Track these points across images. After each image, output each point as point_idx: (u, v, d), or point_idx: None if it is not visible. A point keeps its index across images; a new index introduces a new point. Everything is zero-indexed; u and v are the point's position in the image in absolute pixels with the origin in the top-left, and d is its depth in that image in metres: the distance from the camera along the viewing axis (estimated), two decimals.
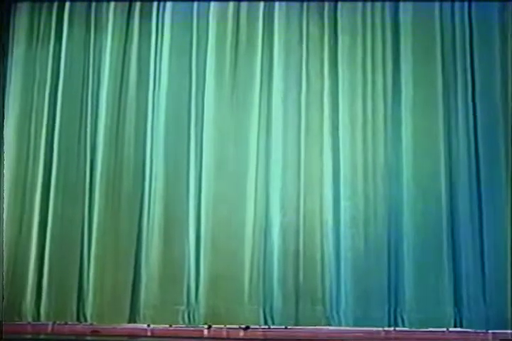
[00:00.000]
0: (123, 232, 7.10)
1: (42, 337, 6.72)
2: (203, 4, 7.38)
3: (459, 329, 6.53)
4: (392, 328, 6.66)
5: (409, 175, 6.85)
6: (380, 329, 6.64)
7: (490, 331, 6.44)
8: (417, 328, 6.58)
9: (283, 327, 6.79)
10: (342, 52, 7.15)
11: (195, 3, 7.40)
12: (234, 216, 6.99)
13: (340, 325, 6.70)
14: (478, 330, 6.48)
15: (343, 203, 6.90)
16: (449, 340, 6.32)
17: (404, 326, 6.63)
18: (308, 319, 6.74)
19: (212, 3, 7.37)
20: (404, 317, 6.63)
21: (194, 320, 6.87)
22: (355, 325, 6.67)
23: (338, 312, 6.73)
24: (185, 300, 6.90)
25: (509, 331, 6.42)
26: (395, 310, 6.66)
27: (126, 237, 7.10)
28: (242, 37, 7.30)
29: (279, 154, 7.06)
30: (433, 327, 6.55)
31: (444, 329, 6.56)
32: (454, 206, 6.77)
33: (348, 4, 7.23)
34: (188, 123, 7.22)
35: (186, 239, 7.02)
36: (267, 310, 6.81)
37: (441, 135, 6.88)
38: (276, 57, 7.22)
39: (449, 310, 6.55)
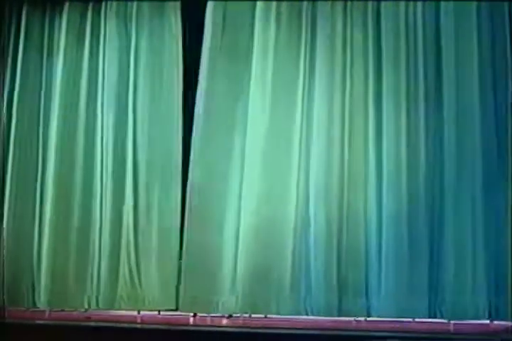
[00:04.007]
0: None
1: (39, 322, 7.18)
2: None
3: (426, 319, 6.89)
4: (363, 318, 7.02)
5: (451, 173, 7.10)
6: (352, 319, 7.00)
7: (452, 321, 6.82)
8: (456, 320, 6.80)
9: (263, 316, 7.20)
10: (386, 55, 7.38)
11: None
12: (278, 210, 7.30)
13: (380, 316, 6.97)
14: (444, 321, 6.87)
15: (385, 199, 7.18)
16: (415, 330, 6.68)
17: (442, 317, 6.85)
18: (350, 310, 7.04)
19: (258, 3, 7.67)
20: (443, 309, 6.88)
21: (236, 310, 7.17)
22: (396, 316, 6.92)
23: (379, 304, 7.00)
24: (227, 291, 7.23)
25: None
26: (435, 302, 6.89)
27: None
28: (284, 40, 7.59)
29: (323, 151, 7.33)
30: (471, 319, 6.77)
31: (410, 319, 6.94)
32: (490, 201, 7.00)
33: (390, 7, 7.43)
34: (234, 124, 7.56)
35: (229, 231, 7.37)
36: (309, 301, 7.11)
37: (478, 135, 7.10)
38: (318, 58, 7.49)
39: (484, 300, 6.78)
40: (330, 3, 7.56)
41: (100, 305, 7.49)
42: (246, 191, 7.41)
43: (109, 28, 8.02)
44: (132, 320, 7.20)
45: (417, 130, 7.25)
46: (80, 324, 7.16)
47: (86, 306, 7.50)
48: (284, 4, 7.64)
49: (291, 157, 7.42)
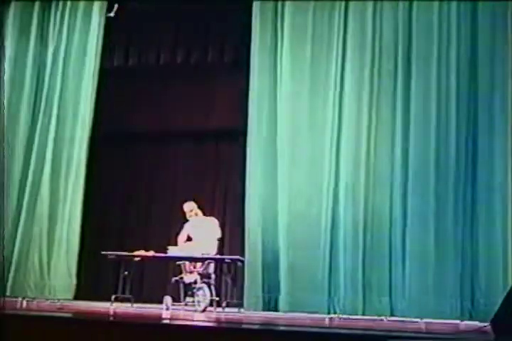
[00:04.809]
0: None
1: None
2: None
3: (396, 318, 6.99)
4: (336, 315, 7.11)
5: (483, 172, 7.07)
6: (325, 316, 7.06)
7: (423, 320, 6.89)
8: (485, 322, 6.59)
9: (236, 310, 7.28)
10: (417, 51, 7.40)
11: None
12: (308, 210, 7.43)
13: (404, 315, 6.97)
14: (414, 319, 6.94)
15: (411, 199, 7.17)
16: (387, 328, 6.69)
17: (472, 319, 6.79)
18: (374, 309, 7.10)
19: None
20: (473, 311, 6.88)
21: (285, 308, 7.27)
22: (419, 316, 6.90)
23: (402, 304, 7.03)
24: (266, 289, 7.40)
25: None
26: (465, 304, 6.90)
27: None
28: (318, 35, 7.73)
29: (351, 150, 7.42)
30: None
31: (383, 317, 7.04)
32: None
33: (423, 5, 7.43)
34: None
35: (275, 231, 7.51)
36: (337, 300, 7.18)
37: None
38: (349, 56, 7.59)
39: None
40: None
41: (8, 293, 7.74)
42: (284, 191, 7.52)
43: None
44: (105, 312, 7.15)
45: (447, 128, 7.19)
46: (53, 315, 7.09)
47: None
48: (318, 3, 7.73)
49: (323, 156, 7.49)
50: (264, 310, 7.32)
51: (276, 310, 7.29)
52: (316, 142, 7.52)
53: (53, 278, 7.92)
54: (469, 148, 7.17)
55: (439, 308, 6.92)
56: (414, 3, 7.49)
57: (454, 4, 7.38)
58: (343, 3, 7.71)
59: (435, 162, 7.18)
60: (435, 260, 7.01)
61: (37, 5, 8.65)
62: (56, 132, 8.30)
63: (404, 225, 7.16)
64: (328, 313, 7.15)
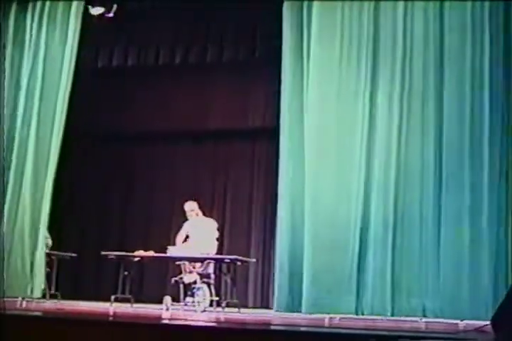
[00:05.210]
0: None
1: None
2: None
3: (394, 317, 6.94)
4: (337, 316, 7.02)
5: None
6: (326, 316, 6.99)
7: (423, 320, 6.88)
8: None
9: (236, 310, 7.26)
10: (449, 52, 7.21)
11: None
12: (336, 208, 7.26)
13: (437, 316, 6.85)
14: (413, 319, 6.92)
15: (444, 197, 7.00)
16: (386, 328, 6.69)
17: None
18: (403, 310, 6.96)
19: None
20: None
21: (304, 309, 7.12)
22: (452, 317, 6.76)
23: (435, 305, 6.87)
24: (294, 290, 7.23)
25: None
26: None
27: None
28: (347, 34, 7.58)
29: (381, 148, 7.27)
30: None
31: (383, 317, 7.00)
32: None
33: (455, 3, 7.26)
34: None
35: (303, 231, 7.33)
36: (365, 300, 7.05)
37: None
38: (381, 54, 7.42)
39: None
40: None
41: None
42: (312, 191, 7.38)
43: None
44: (105, 312, 7.15)
45: (480, 125, 7.02)
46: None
47: None
48: (347, 3, 7.61)
49: (353, 155, 7.34)
50: (292, 311, 7.23)
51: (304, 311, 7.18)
52: (345, 141, 7.41)
53: (34, 277, 7.87)
54: (503, 146, 7.03)
55: (473, 309, 6.74)
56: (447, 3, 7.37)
57: (486, 3, 7.23)
58: (372, 3, 7.58)
59: (469, 159, 7.04)
60: (469, 260, 6.87)
61: (13, 6, 8.60)
62: (37, 132, 8.20)
63: (438, 224, 7.02)
64: (356, 314, 7.06)
